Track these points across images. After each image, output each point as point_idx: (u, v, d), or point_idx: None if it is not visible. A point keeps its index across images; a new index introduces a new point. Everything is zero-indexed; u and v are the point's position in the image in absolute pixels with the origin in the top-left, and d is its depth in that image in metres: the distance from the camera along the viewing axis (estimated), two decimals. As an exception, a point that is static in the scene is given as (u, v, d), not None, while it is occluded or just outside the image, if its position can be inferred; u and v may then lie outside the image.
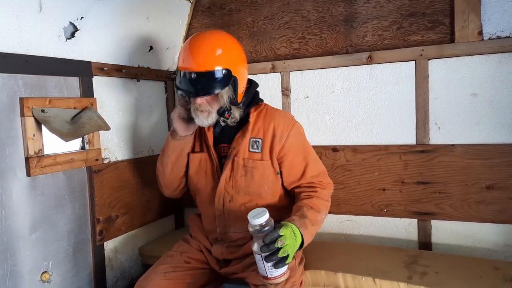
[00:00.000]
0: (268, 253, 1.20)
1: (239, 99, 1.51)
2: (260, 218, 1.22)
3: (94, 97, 1.81)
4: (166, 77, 2.32)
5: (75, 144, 1.74)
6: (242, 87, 1.52)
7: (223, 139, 1.60)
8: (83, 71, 1.76)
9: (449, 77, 1.85)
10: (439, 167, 1.88)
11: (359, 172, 2.05)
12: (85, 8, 1.69)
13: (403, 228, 2.00)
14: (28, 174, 1.52)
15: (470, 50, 1.80)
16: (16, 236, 1.51)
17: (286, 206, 1.60)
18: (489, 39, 1.77)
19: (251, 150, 1.55)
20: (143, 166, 2.11)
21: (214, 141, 1.61)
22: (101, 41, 1.84)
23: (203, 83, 1.42)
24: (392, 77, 1.96)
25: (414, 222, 1.97)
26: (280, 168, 1.57)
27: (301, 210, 1.44)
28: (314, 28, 2.14)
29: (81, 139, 1.76)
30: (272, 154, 1.54)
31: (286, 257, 1.22)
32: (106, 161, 1.90)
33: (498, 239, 1.83)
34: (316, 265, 1.73)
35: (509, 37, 1.74)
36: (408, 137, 1.95)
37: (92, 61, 1.80)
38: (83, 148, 1.78)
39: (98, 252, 1.86)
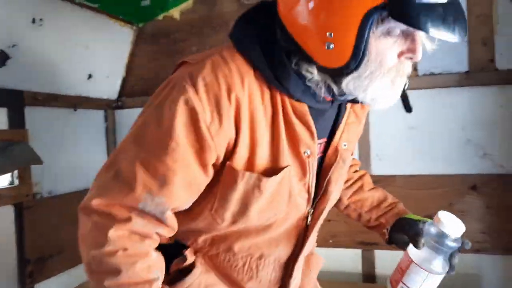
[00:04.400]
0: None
1: None
2: (460, 230, 0.85)
3: (26, 128, 1.69)
4: (107, 106, 2.22)
5: (3, 180, 1.61)
6: None
7: (321, 132, 0.86)
8: (13, 101, 1.64)
9: (388, 110, 1.90)
10: (381, 198, 1.92)
11: (305, 203, 2.05)
12: (18, 35, 1.59)
13: (350, 258, 2.01)
14: None
15: (407, 85, 1.87)
16: None
17: None
18: (424, 75, 1.86)
19: None
20: (81, 200, 1.98)
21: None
22: (35, 69, 1.73)
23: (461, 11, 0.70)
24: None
25: (359, 252, 1.99)
26: None
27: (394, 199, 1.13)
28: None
29: (10, 173, 1.63)
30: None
31: None
32: (38, 197, 1.77)
33: (437, 267, 1.88)
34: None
35: (441, 74, 1.84)
36: (352, 168, 1.98)
37: (24, 90, 1.68)
38: (12, 183, 1.64)
39: (27, 296, 1.70)
